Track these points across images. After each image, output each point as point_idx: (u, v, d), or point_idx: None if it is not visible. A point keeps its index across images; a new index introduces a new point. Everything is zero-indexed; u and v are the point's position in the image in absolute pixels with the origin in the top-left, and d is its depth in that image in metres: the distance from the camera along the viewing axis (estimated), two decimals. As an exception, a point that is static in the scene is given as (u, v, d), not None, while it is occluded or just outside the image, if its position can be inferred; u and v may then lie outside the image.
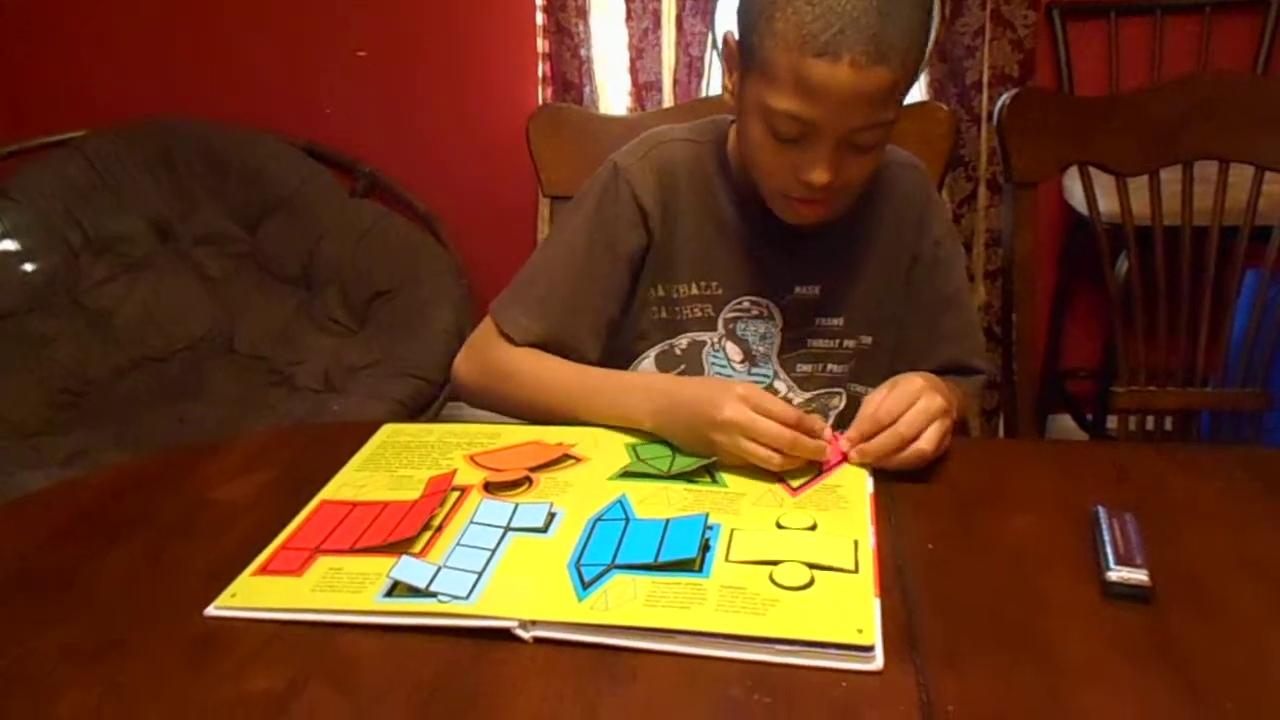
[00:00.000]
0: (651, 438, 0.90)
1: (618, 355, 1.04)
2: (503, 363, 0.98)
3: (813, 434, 0.83)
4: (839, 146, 0.86)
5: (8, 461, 1.75)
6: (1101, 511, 0.74)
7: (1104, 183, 1.19)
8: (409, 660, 0.64)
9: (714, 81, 2.05)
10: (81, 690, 0.63)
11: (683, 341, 1.03)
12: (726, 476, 0.83)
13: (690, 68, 2.08)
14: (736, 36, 0.90)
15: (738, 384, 0.85)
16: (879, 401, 0.85)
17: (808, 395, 1.03)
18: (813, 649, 0.62)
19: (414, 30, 2.19)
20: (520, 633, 0.65)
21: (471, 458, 0.88)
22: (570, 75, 2.08)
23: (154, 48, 2.28)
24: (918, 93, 1.99)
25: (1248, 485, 0.82)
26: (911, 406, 0.83)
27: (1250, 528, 0.76)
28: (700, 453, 0.85)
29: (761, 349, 1.02)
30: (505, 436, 0.92)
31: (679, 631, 0.64)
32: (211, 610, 0.69)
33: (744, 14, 0.88)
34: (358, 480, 0.85)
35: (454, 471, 0.85)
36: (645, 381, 0.95)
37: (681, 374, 1.02)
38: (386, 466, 0.87)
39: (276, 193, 2.20)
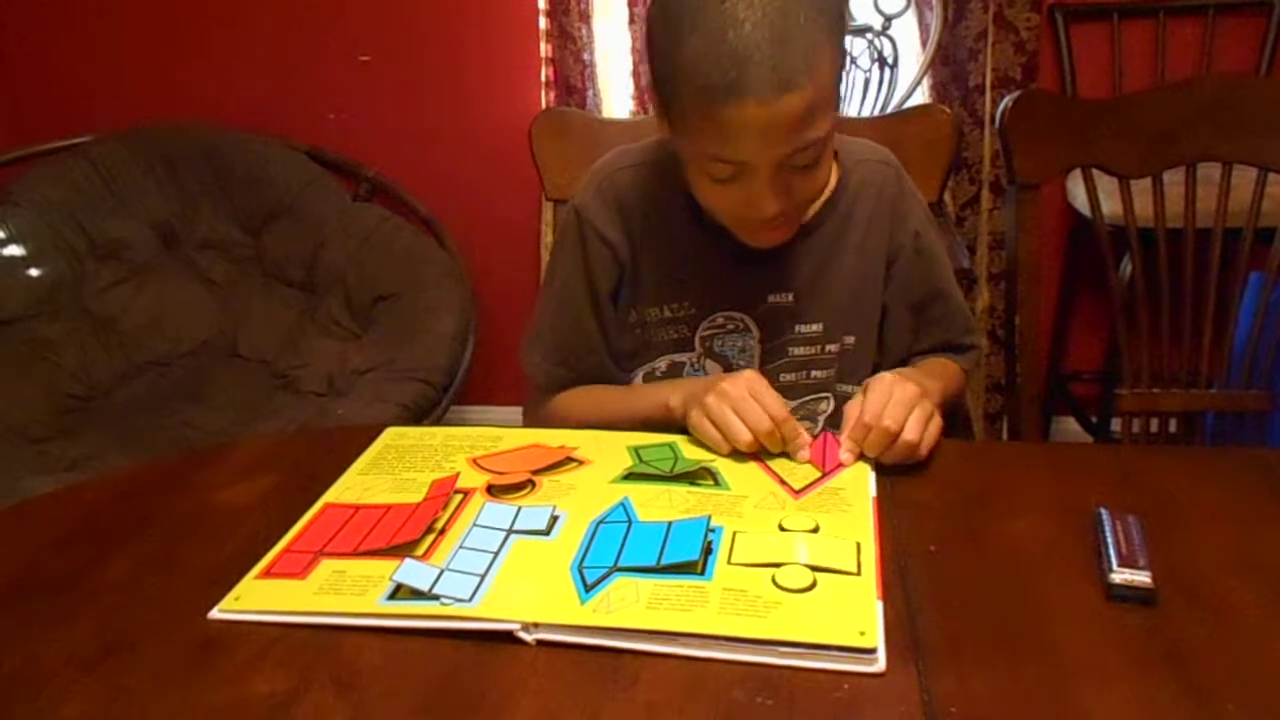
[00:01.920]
0: (654, 440, 0.90)
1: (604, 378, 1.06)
2: (556, 410, 1.06)
3: (790, 440, 0.85)
4: (777, 174, 0.85)
5: (14, 466, 1.76)
6: (1104, 513, 0.74)
7: (1107, 185, 1.19)
8: (412, 663, 0.64)
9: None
10: (86, 693, 0.63)
11: (662, 364, 1.03)
12: (729, 479, 0.83)
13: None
14: (656, 96, 0.90)
15: (751, 373, 0.88)
16: (860, 407, 0.85)
17: (794, 403, 1.03)
18: (815, 651, 0.62)
19: (417, 35, 2.20)
20: (523, 635, 0.65)
21: (474, 461, 0.88)
22: (573, 79, 2.08)
23: (157, 53, 2.29)
24: (920, 96, 2.00)
25: (1251, 487, 0.82)
26: (889, 401, 0.83)
27: (1253, 529, 0.76)
28: (690, 421, 0.88)
29: (742, 362, 1.01)
30: (508, 440, 0.92)
31: (681, 634, 0.64)
32: (215, 613, 0.70)
33: (652, 70, 0.88)
34: (361, 483, 0.86)
35: (457, 474, 0.85)
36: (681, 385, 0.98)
37: None
38: (390, 470, 0.88)
39: (280, 197, 2.20)
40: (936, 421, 0.86)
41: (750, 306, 1.00)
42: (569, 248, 1.03)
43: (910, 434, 0.82)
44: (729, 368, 1.02)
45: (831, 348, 1.02)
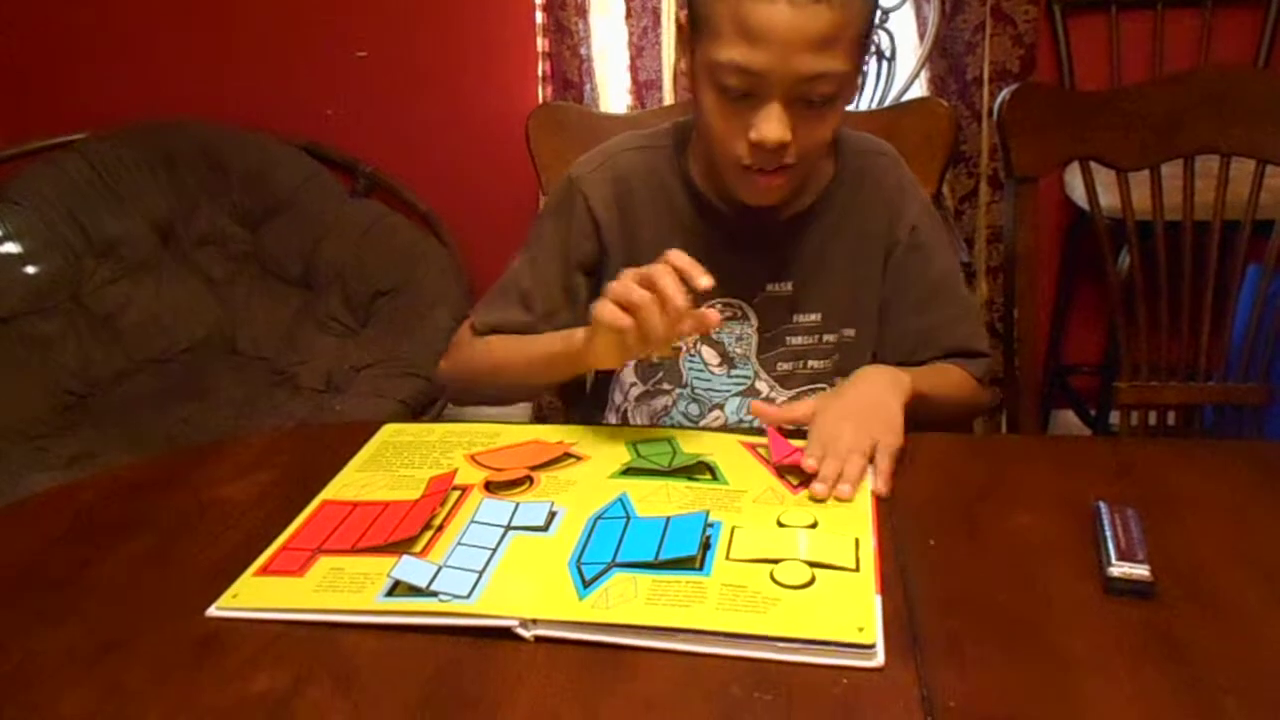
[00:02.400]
0: (652, 435, 0.90)
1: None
2: (473, 347, 1.04)
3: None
4: (789, 102, 0.85)
5: (13, 464, 1.76)
6: (1103, 506, 0.74)
7: (1105, 178, 1.19)
8: (410, 659, 0.64)
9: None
10: (84, 691, 0.63)
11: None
12: (727, 474, 0.83)
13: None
14: (685, 13, 0.90)
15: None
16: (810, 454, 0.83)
17: (791, 393, 1.03)
18: (813, 646, 0.62)
19: (413, 30, 2.19)
20: (521, 631, 0.65)
21: (472, 457, 0.88)
22: (570, 73, 2.08)
23: (154, 50, 2.28)
24: (918, 89, 1.99)
25: (1249, 480, 0.82)
26: (835, 452, 0.82)
27: (1252, 522, 0.76)
28: (602, 315, 0.84)
29: (739, 350, 1.01)
30: (506, 436, 0.92)
31: (680, 630, 0.64)
32: (213, 611, 0.69)
33: None
34: (359, 480, 0.85)
35: (455, 471, 0.85)
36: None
37: (659, 381, 1.03)
38: (387, 466, 0.87)
39: (277, 193, 2.20)
40: (886, 445, 0.83)
41: (748, 294, 1.01)
42: (557, 211, 1.03)
43: (845, 485, 0.80)
44: (725, 355, 1.02)
45: (829, 338, 1.02)
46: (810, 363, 1.03)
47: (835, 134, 0.92)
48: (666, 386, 1.03)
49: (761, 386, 1.02)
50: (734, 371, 1.02)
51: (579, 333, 0.91)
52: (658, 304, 0.81)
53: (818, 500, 0.79)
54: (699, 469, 0.84)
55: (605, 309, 0.83)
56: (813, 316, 1.01)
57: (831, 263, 1.01)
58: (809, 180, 0.99)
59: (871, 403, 0.88)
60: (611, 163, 1.02)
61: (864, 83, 1.89)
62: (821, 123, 0.88)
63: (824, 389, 1.04)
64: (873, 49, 1.85)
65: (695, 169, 1.00)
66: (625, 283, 0.82)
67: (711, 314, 0.83)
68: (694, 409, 1.03)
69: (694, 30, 0.89)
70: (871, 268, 1.03)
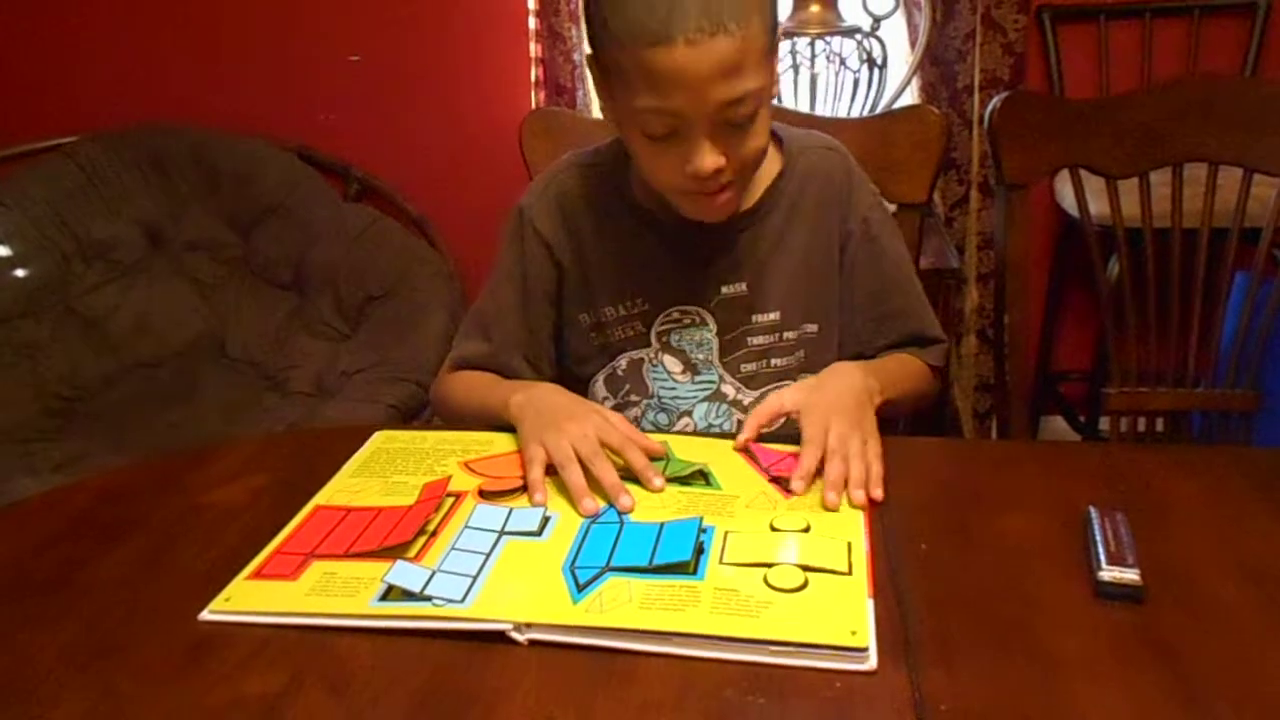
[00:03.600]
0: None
1: (568, 383, 1.05)
2: (447, 382, 1.07)
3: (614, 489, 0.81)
4: (714, 129, 0.85)
5: (2, 468, 1.75)
6: (1093, 511, 0.75)
7: (1095, 185, 1.19)
8: (404, 664, 0.64)
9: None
10: (76, 695, 0.63)
11: (622, 362, 1.03)
12: (721, 480, 0.83)
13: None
14: (592, 58, 0.91)
15: (603, 409, 0.88)
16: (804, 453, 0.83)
17: (756, 393, 1.03)
18: (807, 650, 0.63)
19: (406, 35, 2.19)
20: (515, 635, 0.65)
21: (466, 464, 0.88)
22: (563, 79, 2.08)
23: (145, 53, 2.27)
24: (909, 95, 2.00)
25: (1238, 484, 0.83)
26: (827, 444, 0.82)
27: (1241, 527, 0.76)
28: (528, 450, 0.85)
29: (700, 356, 1.02)
30: (499, 443, 0.91)
31: (673, 634, 0.64)
32: (206, 614, 0.69)
33: (588, 26, 0.90)
34: (351, 486, 0.85)
35: (448, 478, 0.85)
36: (528, 384, 0.98)
37: (627, 394, 1.04)
38: (380, 473, 0.87)
39: (268, 198, 2.19)
40: (873, 446, 0.83)
41: (704, 299, 1.01)
42: (510, 242, 1.05)
43: (855, 490, 0.80)
44: (687, 362, 1.02)
45: (789, 335, 1.02)
46: (774, 361, 1.03)
47: (768, 139, 0.92)
48: (634, 398, 1.03)
49: (727, 389, 1.02)
50: (698, 378, 1.02)
51: (514, 398, 0.92)
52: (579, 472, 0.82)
53: (830, 509, 0.78)
54: (692, 477, 0.84)
55: (535, 453, 0.84)
56: (771, 315, 1.01)
57: (785, 259, 1.01)
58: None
59: (856, 400, 0.88)
60: (555, 185, 1.03)
61: (855, 90, 1.89)
62: (751, 136, 0.88)
63: (788, 385, 1.02)
64: (864, 57, 1.86)
65: (636, 183, 1.01)
66: (566, 451, 0.82)
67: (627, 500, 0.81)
68: (663, 418, 1.03)
69: (603, 75, 0.90)
70: (826, 261, 1.03)
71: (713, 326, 1.01)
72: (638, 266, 1.01)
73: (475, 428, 0.96)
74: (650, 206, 1.00)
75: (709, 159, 0.86)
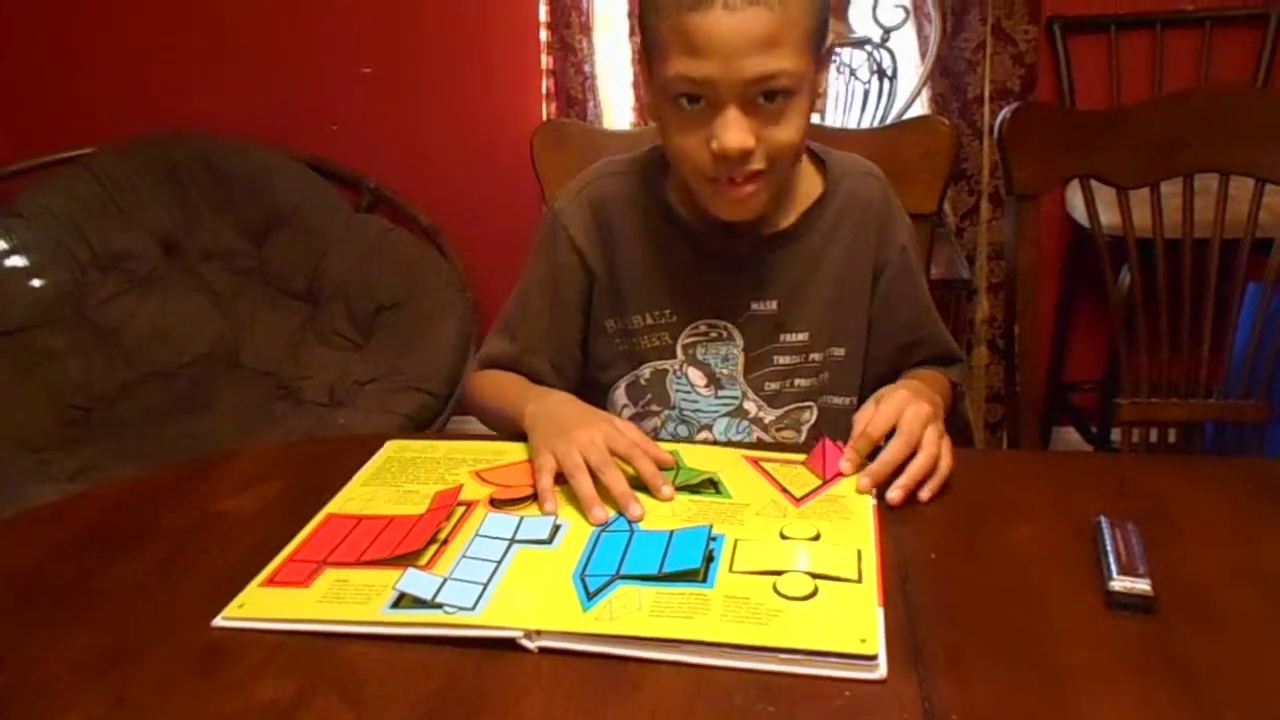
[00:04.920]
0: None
1: (589, 388, 1.07)
2: (475, 381, 1.07)
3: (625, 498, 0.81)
4: (746, 107, 0.85)
5: (17, 476, 1.76)
6: (1104, 521, 0.75)
7: (1106, 195, 1.19)
8: (415, 671, 0.64)
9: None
10: (90, 701, 0.63)
11: (645, 372, 1.03)
12: (730, 488, 0.84)
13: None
14: (639, 39, 0.92)
15: (613, 418, 0.88)
16: (868, 418, 0.85)
17: (778, 412, 1.03)
18: (816, 658, 0.63)
19: (419, 46, 2.21)
20: (525, 643, 0.65)
21: (477, 474, 0.88)
22: (574, 90, 2.09)
23: (160, 65, 2.30)
24: (919, 106, 2.01)
25: (1250, 495, 0.82)
26: (901, 415, 0.84)
27: (1253, 538, 0.76)
28: (538, 458, 0.85)
29: (725, 371, 1.01)
30: (511, 453, 0.92)
31: (683, 641, 0.64)
32: (219, 621, 0.70)
33: (639, 13, 0.91)
34: (364, 495, 0.86)
35: (460, 486, 0.86)
36: (543, 391, 0.98)
37: (648, 403, 1.04)
38: (392, 481, 0.88)
39: (282, 208, 2.21)
40: (948, 442, 0.85)
41: (733, 314, 1.01)
42: (542, 246, 1.05)
43: (930, 446, 0.83)
44: (712, 376, 1.02)
45: (815, 356, 1.02)
46: (798, 381, 1.02)
47: (802, 137, 0.90)
48: (655, 408, 1.03)
49: (749, 406, 1.02)
50: (721, 392, 1.02)
51: (530, 406, 0.92)
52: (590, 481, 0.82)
53: (893, 506, 0.81)
54: (702, 485, 0.84)
55: (545, 462, 0.84)
56: (800, 336, 1.01)
57: (818, 281, 1.01)
58: (789, 197, 1.00)
59: (933, 404, 0.88)
60: (589, 191, 1.03)
61: (865, 101, 1.90)
62: (783, 123, 0.87)
63: (810, 408, 1.04)
64: (874, 68, 1.86)
65: (673, 192, 1.01)
66: (575, 459, 0.83)
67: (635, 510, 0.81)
68: (683, 430, 1.03)
69: (647, 54, 0.90)
70: (859, 287, 1.03)
71: (740, 342, 1.01)
72: (669, 276, 1.01)
73: (499, 428, 0.97)
74: (686, 216, 1.00)
75: (735, 134, 0.85)
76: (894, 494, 0.81)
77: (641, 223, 1.01)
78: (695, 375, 1.02)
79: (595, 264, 1.02)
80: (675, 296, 1.01)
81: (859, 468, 0.84)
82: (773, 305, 1.00)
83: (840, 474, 0.84)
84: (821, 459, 0.86)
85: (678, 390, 1.03)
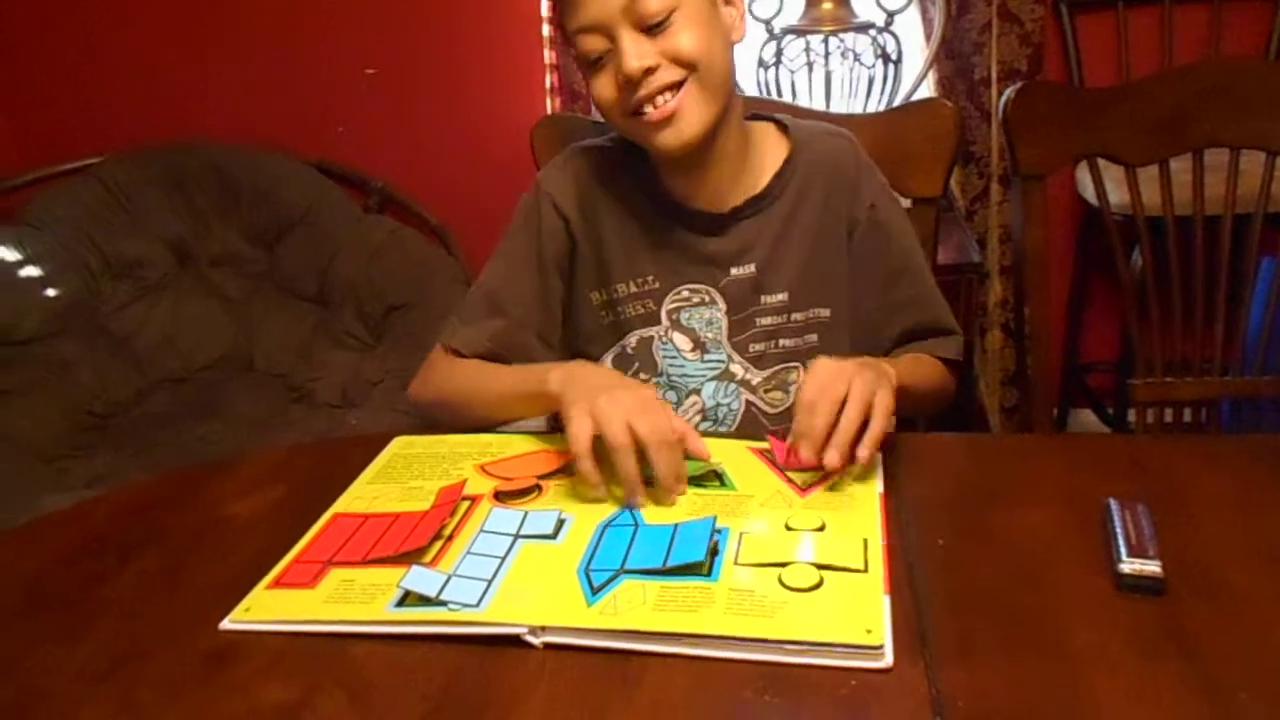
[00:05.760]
0: None
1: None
2: (446, 371, 1.03)
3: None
4: (634, 34, 0.89)
5: (34, 484, 1.77)
6: (1113, 503, 0.74)
7: (1116, 174, 1.18)
8: (420, 668, 0.64)
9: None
10: (99, 706, 0.64)
11: (632, 340, 1.04)
12: (735, 479, 0.83)
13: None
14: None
15: (656, 400, 0.84)
16: (801, 392, 0.82)
17: (765, 373, 1.03)
18: (821, 649, 0.62)
19: (421, 46, 2.21)
20: (530, 639, 0.65)
21: (482, 467, 0.88)
22: (577, 85, 2.09)
23: (166, 75, 2.30)
24: (925, 89, 1.99)
25: (1261, 474, 0.81)
26: (834, 378, 0.81)
27: (1264, 517, 0.75)
28: (578, 411, 0.81)
29: (710, 335, 1.03)
30: (516, 445, 0.92)
31: (688, 635, 0.64)
32: (226, 624, 0.70)
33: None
34: (370, 493, 0.86)
35: (464, 481, 0.86)
36: (561, 364, 0.93)
37: (636, 372, 1.04)
38: (398, 478, 0.88)
39: (290, 212, 2.21)
40: (886, 404, 0.81)
41: (713, 280, 1.02)
42: (524, 215, 1.06)
43: (847, 417, 0.79)
44: (697, 340, 1.03)
45: (798, 316, 1.03)
46: (782, 341, 1.03)
47: (706, 43, 0.91)
48: (644, 376, 1.04)
49: (736, 369, 1.03)
50: (707, 356, 1.03)
51: (553, 376, 0.89)
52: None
53: (831, 470, 0.79)
54: (706, 477, 0.84)
55: (582, 427, 0.81)
56: (779, 296, 1.02)
57: (794, 242, 1.02)
58: (757, 162, 1.01)
59: (870, 363, 0.86)
60: (572, 162, 1.05)
61: (870, 87, 1.88)
62: (675, 33, 0.90)
63: (796, 367, 1.03)
64: (879, 52, 1.84)
65: (651, 164, 1.02)
66: (620, 425, 0.80)
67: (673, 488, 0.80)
68: (671, 396, 1.04)
69: (561, 33, 0.95)
70: (835, 247, 1.03)
71: (722, 306, 1.02)
72: (650, 244, 1.02)
73: (495, 415, 0.96)
74: (664, 186, 1.02)
75: (631, 58, 0.88)
76: (830, 457, 0.79)
77: (621, 194, 1.03)
78: (681, 340, 1.03)
79: (578, 232, 1.04)
80: (657, 262, 1.02)
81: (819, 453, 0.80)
82: (751, 269, 1.02)
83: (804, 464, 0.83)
84: (785, 454, 0.85)
85: (664, 356, 1.03)
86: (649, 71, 0.89)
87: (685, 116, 0.92)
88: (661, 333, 1.03)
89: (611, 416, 0.80)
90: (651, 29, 0.89)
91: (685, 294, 1.02)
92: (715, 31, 0.93)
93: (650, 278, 1.02)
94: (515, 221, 1.06)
